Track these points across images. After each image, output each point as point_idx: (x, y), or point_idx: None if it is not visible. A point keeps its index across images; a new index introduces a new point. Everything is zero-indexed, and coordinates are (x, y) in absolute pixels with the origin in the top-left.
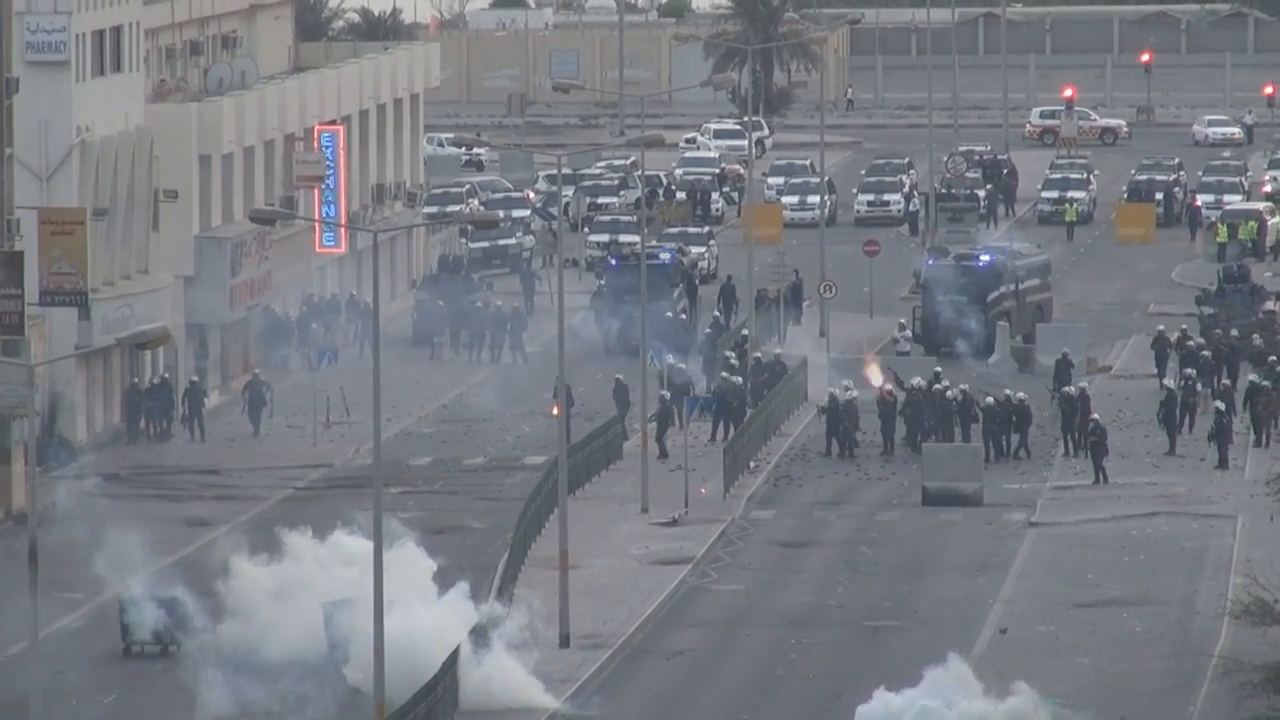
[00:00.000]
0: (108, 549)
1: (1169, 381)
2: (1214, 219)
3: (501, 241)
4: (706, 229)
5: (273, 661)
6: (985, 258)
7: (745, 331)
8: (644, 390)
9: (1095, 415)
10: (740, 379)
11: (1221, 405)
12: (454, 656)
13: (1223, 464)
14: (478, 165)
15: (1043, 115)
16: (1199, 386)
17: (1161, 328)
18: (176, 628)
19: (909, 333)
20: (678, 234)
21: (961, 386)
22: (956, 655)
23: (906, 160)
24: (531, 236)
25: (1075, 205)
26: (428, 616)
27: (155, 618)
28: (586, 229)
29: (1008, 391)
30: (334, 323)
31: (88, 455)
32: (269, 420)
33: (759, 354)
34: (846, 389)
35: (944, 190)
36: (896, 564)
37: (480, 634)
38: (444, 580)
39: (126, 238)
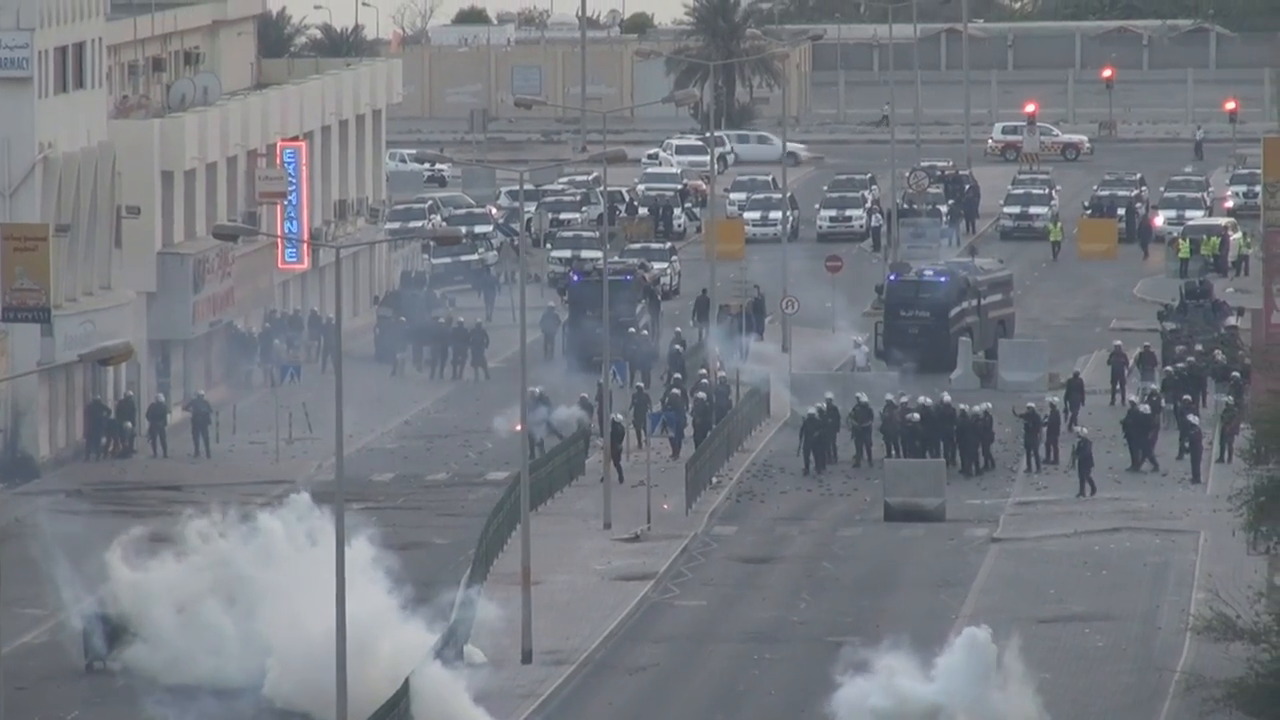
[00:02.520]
0: (69, 565)
1: (1134, 397)
2: (1175, 234)
3: (464, 257)
4: (669, 245)
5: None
6: (947, 274)
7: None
8: (604, 405)
9: (1082, 428)
10: (703, 394)
11: (1194, 419)
12: (407, 682)
13: (1195, 478)
14: (440, 181)
15: (1005, 131)
16: (1163, 403)
17: (1119, 343)
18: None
19: (865, 349)
20: (640, 250)
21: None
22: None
23: (869, 176)
24: (495, 252)
25: (1060, 224)
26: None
27: (116, 634)
28: (548, 244)
29: (966, 406)
30: (296, 339)
31: (50, 471)
32: (230, 437)
33: (704, 375)
34: (829, 399)
35: (906, 206)
36: (859, 580)
37: (444, 650)
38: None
39: (89, 254)
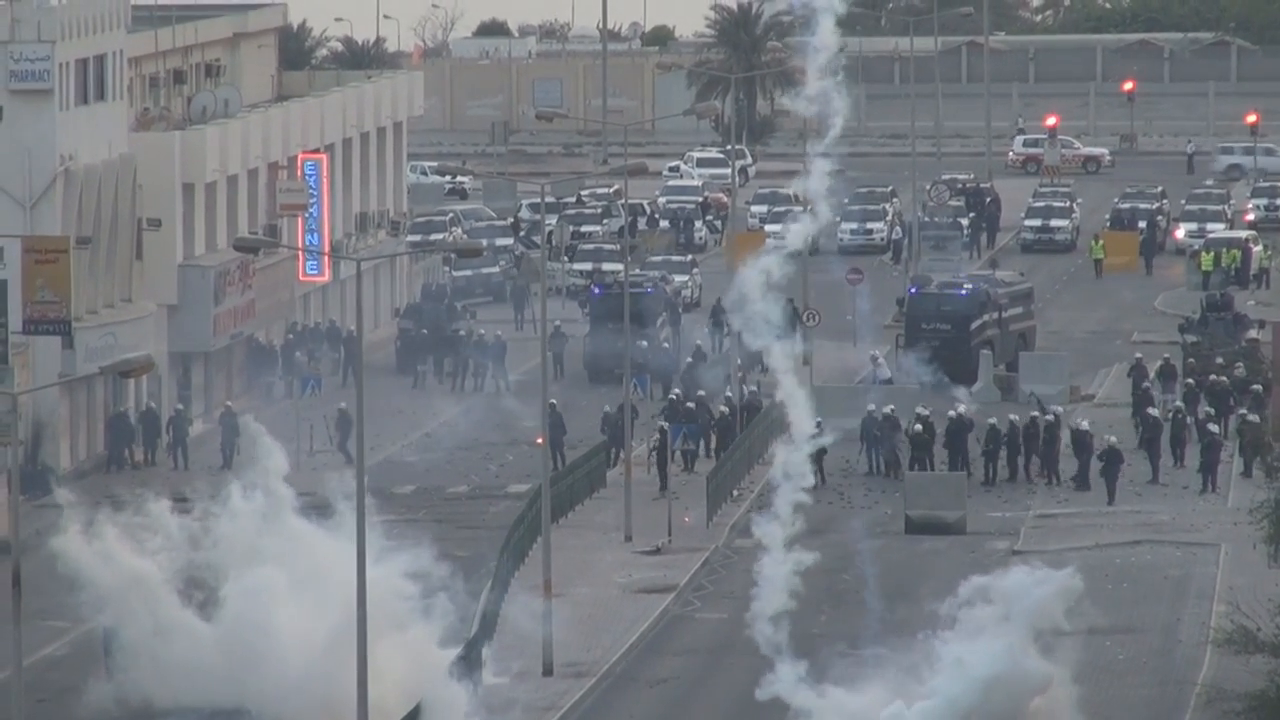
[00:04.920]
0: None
1: (1154, 410)
2: (1197, 247)
3: (485, 270)
4: (690, 257)
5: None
6: (968, 286)
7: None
8: (628, 418)
9: (1111, 436)
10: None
11: (1215, 428)
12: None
13: (1211, 488)
14: (461, 194)
15: (1026, 144)
16: (1188, 419)
17: (1139, 356)
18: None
19: (882, 361)
20: (661, 262)
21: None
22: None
23: (890, 189)
24: (515, 266)
25: (1102, 242)
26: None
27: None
28: (567, 257)
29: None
30: (317, 351)
31: (70, 484)
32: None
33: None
34: (889, 410)
35: (927, 218)
36: (879, 592)
37: (462, 663)
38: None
39: (110, 266)
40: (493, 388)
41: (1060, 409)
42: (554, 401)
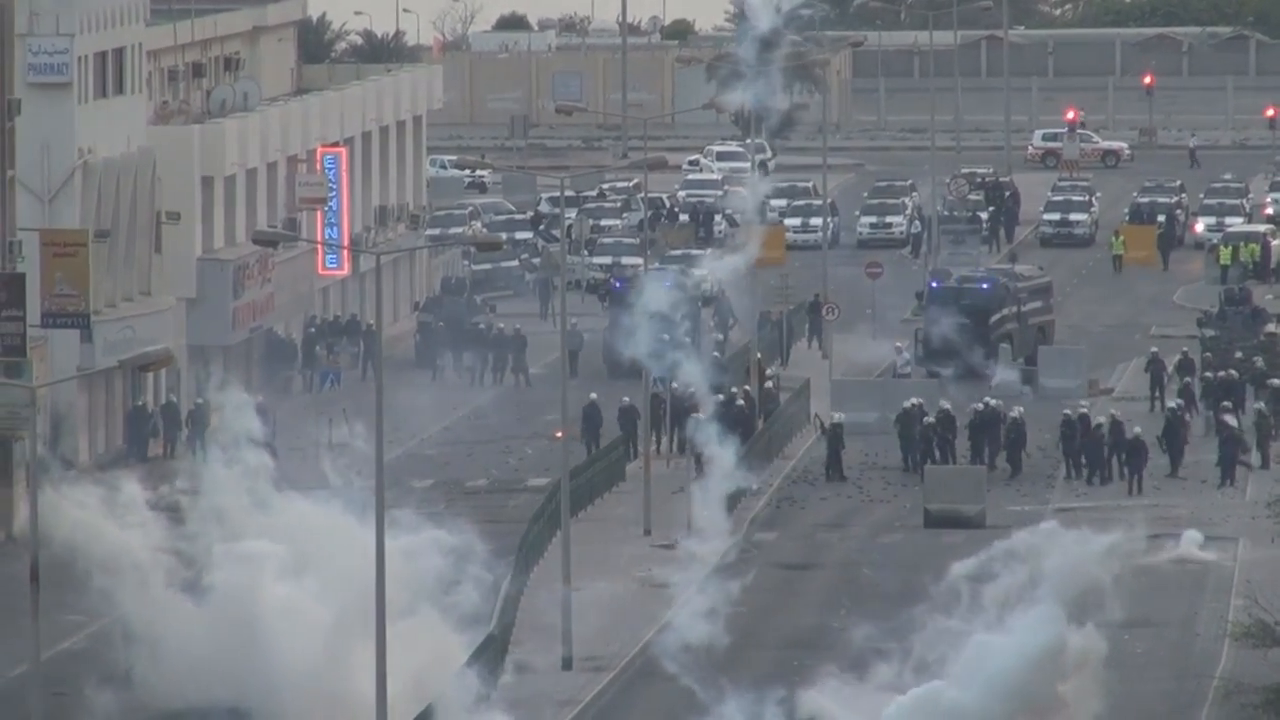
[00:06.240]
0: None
1: (1172, 404)
2: (1215, 241)
3: (505, 264)
4: (709, 251)
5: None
6: (987, 280)
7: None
8: (647, 412)
9: (1136, 427)
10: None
11: (1234, 421)
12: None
13: (1229, 481)
14: (480, 187)
15: (1045, 138)
16: (1188, 417)
17: (1155, 350)
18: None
19: (906, 354)
20: (680, 256)
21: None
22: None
23: (909, 182)
24: (537, 259)
25: (1123, 238)
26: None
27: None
28: (586, 251)
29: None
30: (336, 345)
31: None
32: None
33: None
34: (946, 408)
35: (946, 212)
36: (899, 586)
37: (482, 657)
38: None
39: (129, 259)
40: (512, 381)
41: (1086, 404)
42: (594, 395)
